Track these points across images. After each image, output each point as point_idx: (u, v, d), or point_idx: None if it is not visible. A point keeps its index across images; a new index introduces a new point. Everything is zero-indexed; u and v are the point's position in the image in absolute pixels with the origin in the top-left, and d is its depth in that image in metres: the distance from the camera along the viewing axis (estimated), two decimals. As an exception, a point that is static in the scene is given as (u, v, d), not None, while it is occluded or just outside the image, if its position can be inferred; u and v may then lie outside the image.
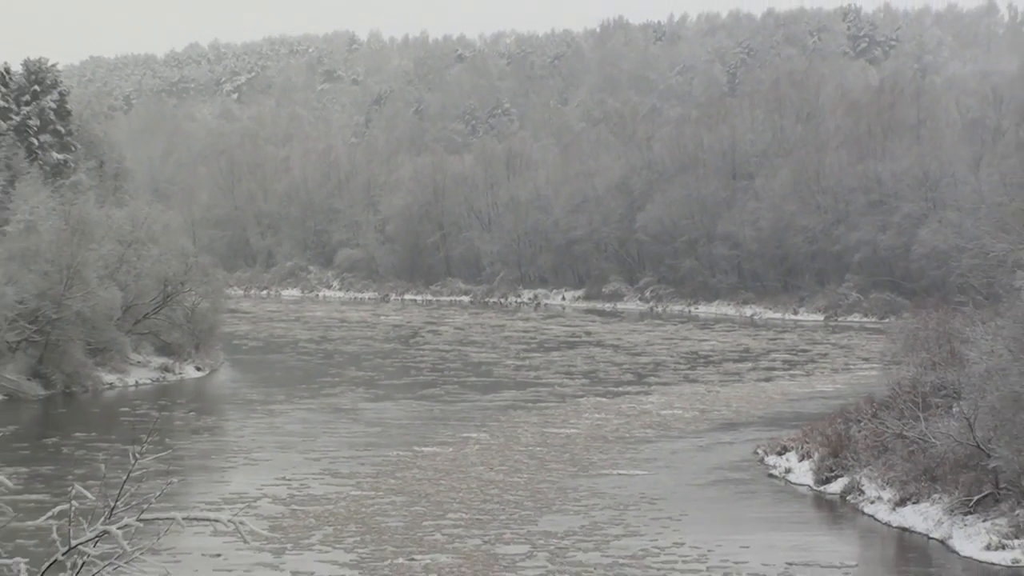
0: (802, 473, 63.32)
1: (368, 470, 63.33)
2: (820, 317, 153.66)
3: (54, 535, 13.80)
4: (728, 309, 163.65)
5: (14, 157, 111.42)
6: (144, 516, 13.93)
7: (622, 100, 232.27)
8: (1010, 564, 47.57)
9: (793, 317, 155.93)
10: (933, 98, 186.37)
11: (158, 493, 14.75)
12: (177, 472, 55.07)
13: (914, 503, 54.45)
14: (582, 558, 46.93)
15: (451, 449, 69.29)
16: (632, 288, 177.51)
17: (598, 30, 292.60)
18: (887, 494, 56.22)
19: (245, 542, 46.72)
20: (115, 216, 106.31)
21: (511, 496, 57.47)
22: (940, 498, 53.53)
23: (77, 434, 73.13)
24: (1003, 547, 48.52)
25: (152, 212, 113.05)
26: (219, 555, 46.21)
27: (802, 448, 65.78)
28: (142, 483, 14.09)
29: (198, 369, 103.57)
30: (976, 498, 52.07)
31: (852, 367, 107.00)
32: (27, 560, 13.67)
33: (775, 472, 64.79)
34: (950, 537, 50.82)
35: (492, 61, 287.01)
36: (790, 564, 46.58)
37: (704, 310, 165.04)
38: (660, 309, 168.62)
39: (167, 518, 14.34)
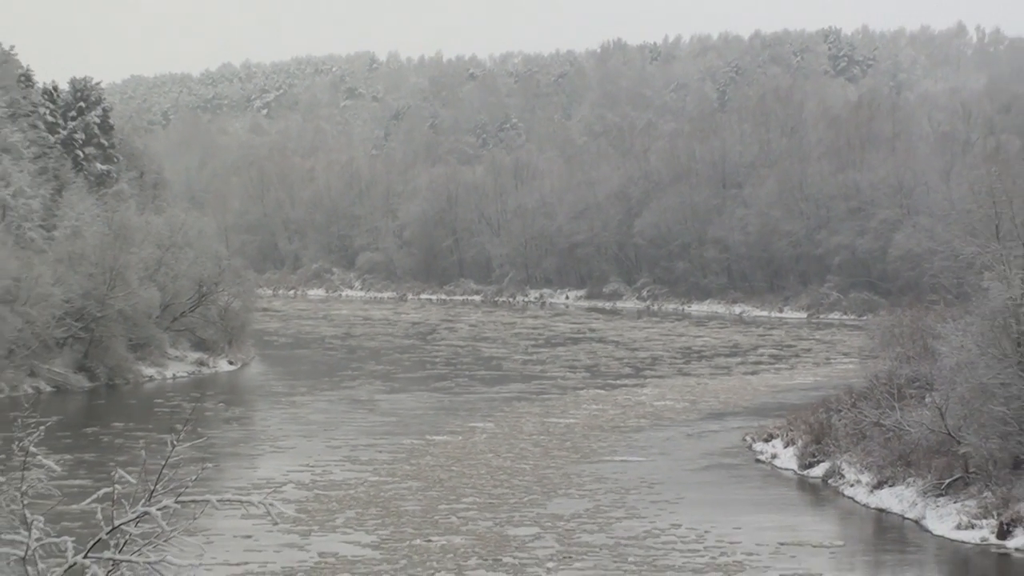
0: (787, 458, 63.29)
1: (385, 457, 63.28)
2: (803, 315, 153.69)
3: (98, 516, 13.79)
4: (718, 307, 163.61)
5: (61, 168, 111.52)
6: (181, 498, 13.92)
7: (621, 115, 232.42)
8: (979, 542, 47.55)
9: (778, 315, 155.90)
10: (907, 113, 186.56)
11: (194, 478, 14.73)
12: (210, 459, 55.06)
13: (890, 486, 54.42)
14: (588, 539, 46.84)
15: (461, 438, 69.21)
16: (630, 288, 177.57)
17: (599, 51, 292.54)
18: (865, 478, 56.20)
19: (274, 523, 46.79)
20: (154, 222, 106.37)
21: (519, 481, 57.40)
22: (914, 481, 53.50)
23: (119, 424, 73.19)
24: (972, 527, 48.51)
25: (188, 219, 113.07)
26: (249, 536, 46.11)
27: (787, 435, 65.76)
28: (179, 469, 14.10)
29: (231, 363, 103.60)
30: (947, 481, 52.03)
31: (833, 361, 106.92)
32: (74, 539, 13.66)
33: (762, 458, 64.76)
34: (924, 517, 50.79)
35: (501, 79, 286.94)
36: (781, 544, 46.49)
37: (696, 308, 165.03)
38: (656, 308, 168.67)
39: (202, 500, 14.33)
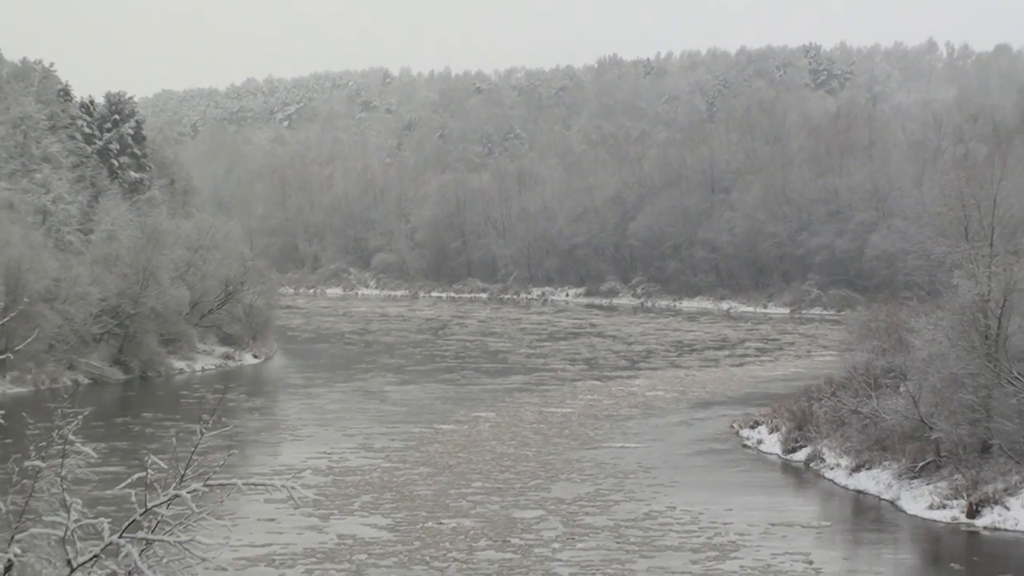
0: (772, 444, 63.30)
1: (397, 445, 63.21)
2: (786, 310, 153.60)
3: (132, 499, 13.81)
4: (708, 304, 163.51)
5: (98, 176, 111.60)
6: (209, 482, 13.93)
7: (616, 125, 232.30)
8: (950, 521, 47.58)
9: (763, 310, 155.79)
10: (882, 123, 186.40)
11: (221, 463, 14.74)
12: (236, 446, 55.14)
13: (867, 469, 54.43)
14: (590, 521, 46.81)
15: (467, 426, 69.14)
16: (626, 286, 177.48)
17: (596, 66, 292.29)
18: (844, 461, 56.20)
19: (296, 506, 46.82)
20: (184, 226, 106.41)
21: (523, 467, 57.37)
22: (890, 465, 53.51)
23: (151, 414, 73.19)
24: (944, 507, 48.54)
25: (215, 223, 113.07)
26: (272, 519, 46.10)
27: (771, 422, 65.76)
28: (207, 455, 14.11)
29: (255, 357, 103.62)
30: (920, 465, 52.04)
31: (814, 353, 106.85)
32: (109, 520, 13.67)
33: (749, 443, 64.76)
34: (899, 498, 50.80)
35: (505, 93, 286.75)
36: (772, 525, 46.47)
37: (687, 305, 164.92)
38: (650, 304, 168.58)
39: (229, 484, 14.35)
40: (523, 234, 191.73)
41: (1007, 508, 47.12)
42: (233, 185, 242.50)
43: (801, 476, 57.38)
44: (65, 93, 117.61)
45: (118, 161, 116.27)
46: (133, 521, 13.52)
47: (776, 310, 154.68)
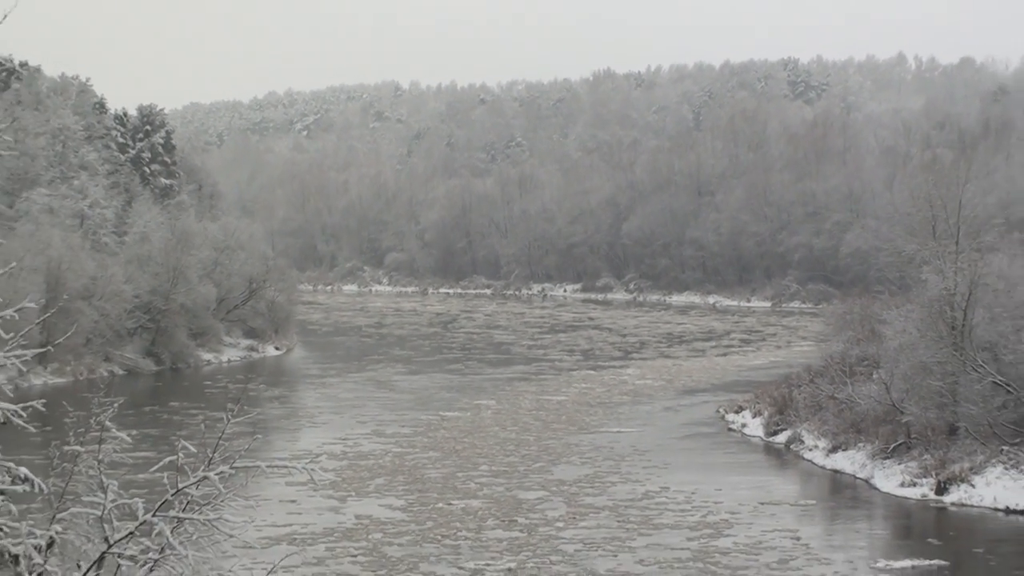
0: (755, 427, 63.30)
1: (407, 431, 63.10)
2: (768, 304, 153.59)
3: (164, 481, 13.83)
4: (695, 298, 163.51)
5: (131, 182, 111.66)
6: (235, 465, 13.94)
7: (610, 134, 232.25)
8: (920, 498, 47.62)
9: (747, 304, 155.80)
10: (856, 130, 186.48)
11: (245, 447, 14.75)
12: (259, 432, 55.03)
13: (843, 450, 54.46)
14: (591, 501, 46.74)
15: (470, 413, 69.05)
16: (619, 282, 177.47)
17: (591, 79, 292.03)
18: (822, 443, 56.22)
19: (316, 487, 46.81)
20: (211, 228, 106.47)
21: (526, 451, 57.31)
22: (864, 446, 53.54)
23: (182, 402, 73.16)
24: (914, 484, 48.58)
25: (239, 225, 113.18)
26: (293, 501, 46.06)
27: (754, 408, 65.77)
28: (232, 441, 14.11)
29: (277, 349, 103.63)
30: (892, 446, 52.07)
31: (793, 344, 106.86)
32: (143, 500, 13.69)
33: (733, 427, 64.76)
34: (872, 477, 50.83)
35: (507, 104, 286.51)
36: (761, 504, 46.45)
37: (676, 299, 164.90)
38: (642, 299, 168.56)
39: (253, 466, 14.35)
40: (524, 234, 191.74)
41: (972, 486, 47.20)
42: (256, 190, 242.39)
43: (782, 457, 57.39)
44: (100, 106, 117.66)
45: (149, 168, 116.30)
46: (165, 501, 13.54)
47: (758, 304, 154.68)
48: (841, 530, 43.83)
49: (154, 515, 13.41)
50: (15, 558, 12.87)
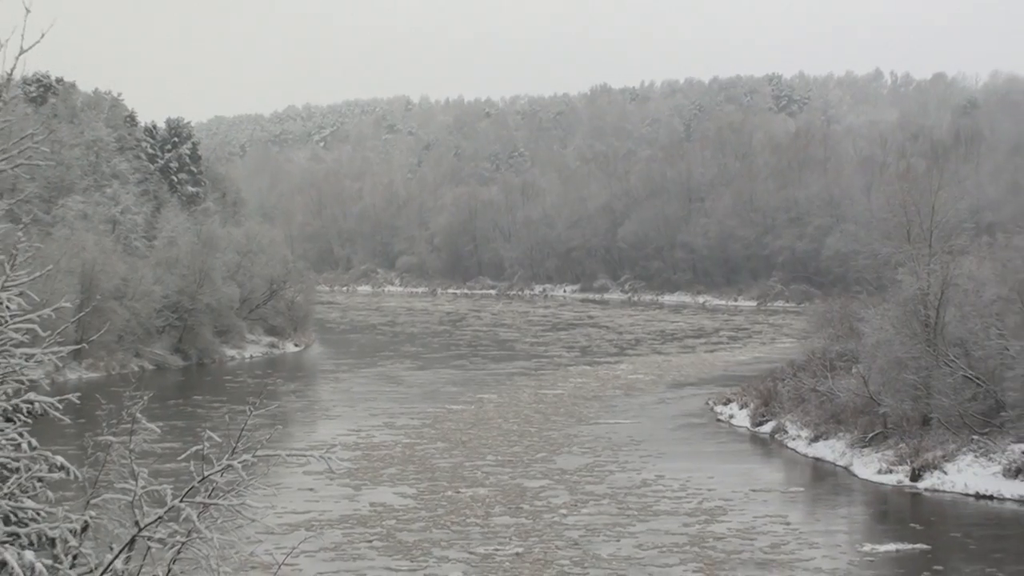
0: (742, 418, 63.30)
1: (416, 423, 63.03)
2: (754, 303, 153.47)
3: (191, 468, 13.85)
4: (686, 298, 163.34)
5: (159, 190, 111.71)
6: (257, 453, 13.95)
7: (606, 145, 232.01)
8: (896, 484, 47.64)
9: (734, 303, 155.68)
10: (835, 141, 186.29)
11: (266, 438, 14.77)
12: (279, 423, 55.01)
13: (824, 439, 54.46)
14: (592, 489, 46.71)
15: (473, 407, 68.96)
16: (615, 283, 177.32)
17: (588, 93, 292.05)
18: (804, 433, 56.22)
19: (332, 475, 46.77)
20: (234, 233, 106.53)
21: (528, 442, 57.26)
22: (843, 436, 53.55)
23: (206, 396, 73.21)
24: (890, 471, 48.59)
25: (261, 230, 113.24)
26: (311, 489, 46.05)
27: (741, 400, 65.77)
28: (254, 431, 14.13)
29: (296, 346, 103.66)
30: (870, 435, 52.08)
31: (778, 340, 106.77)
32: (171, 487, 13.71)
33: (722, 418, 64.76)
34: (851, 464, 50.84)
35: (510, 117, 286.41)
36: (753, 491, 46.42)
37: (668, 299, 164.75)
38: (636, 299, 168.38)
39: (274, 454, 14.37)
40: (526, 238, 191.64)
41: (944, 472, 47.22)
42: (276, 197, 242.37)
43: (767, 446, 57.39)
44: (131, 119, 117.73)
45: (177, 177, 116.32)
46: (192, 487, 13.55)
47: (745, 303, 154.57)
48: (827, 516, 43.82)
49: (181, 501, 13.42)
50: (52, 541, 12.90)
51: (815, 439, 54.96)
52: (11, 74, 13.12)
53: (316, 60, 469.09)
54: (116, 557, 13.20)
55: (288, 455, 15.00)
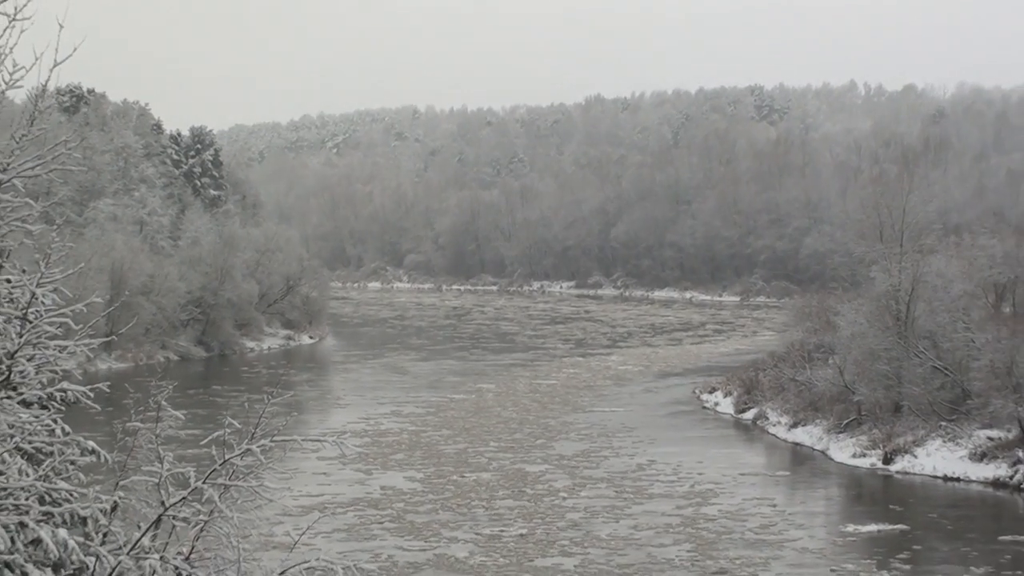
0: (726, 406, 63.33)
1: (420, 411, 62.95)
2: (737, 299, 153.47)
3: (213, 452, 13.88)
4: (674, 294, 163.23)
5: (184, 193, 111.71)
6: (274, 438, 13.95)
7: (600, 151, 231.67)
8: (869, 467, 47.71)
9: (719, 299, 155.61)
10: (813, 148, 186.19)
11: (283, 424, 14.78)
12: (294, 411, 54.99)
13: (803, 426, 54.49)
14: (590, 473, 46.71)
15: (473, 396, 68.86)
16: (608, 280, 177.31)
17: (583, 103, 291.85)
18: (784, 419, 56.25)
19: (344, 461, 46.74)
20: (253, 233, 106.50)
21: (527, 429, 57.21)
22: (820, 422, 53.58)
23: (227, 385, 73.18)
24: (864, 455, 48.65)
25: (278, 230, 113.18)
26: (324, 473, 46.04)
27: (725, 388, 65.79)
28: (272, 418, 14.14)
29: (311, 338, 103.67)
30: (845, 422, 52.12)
31: (759, 333, 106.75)
32: (195, 469, 13.72)
33: (707, 405, 64.78)
34: (828, 449, 50.89)
35: (510, 125, 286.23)
36: (741, 474, 46.40)
37: (658, 295, 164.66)
38: (628, 294, 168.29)
39: (290, 439, 14.37)
40: (525, 238, 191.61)
41: (915, 456, 47.26)
42: (292, 200, 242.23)
43: (750, 432, 57.42)
44: (157, 127, 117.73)
45: (200, 182, 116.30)
46: (213, 470, 13.55)
47: (729, 298, 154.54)
48: (809, 497, 43.88)
49: (204, 482, 13.43)
50: (84, 520, 12.91)
51: (794, 425, 54.99)
52: (46, 85, 13.17)
53: (329, 73, 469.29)
54: (143, 535, 13.21)
55: (303, 440, 15.01)
